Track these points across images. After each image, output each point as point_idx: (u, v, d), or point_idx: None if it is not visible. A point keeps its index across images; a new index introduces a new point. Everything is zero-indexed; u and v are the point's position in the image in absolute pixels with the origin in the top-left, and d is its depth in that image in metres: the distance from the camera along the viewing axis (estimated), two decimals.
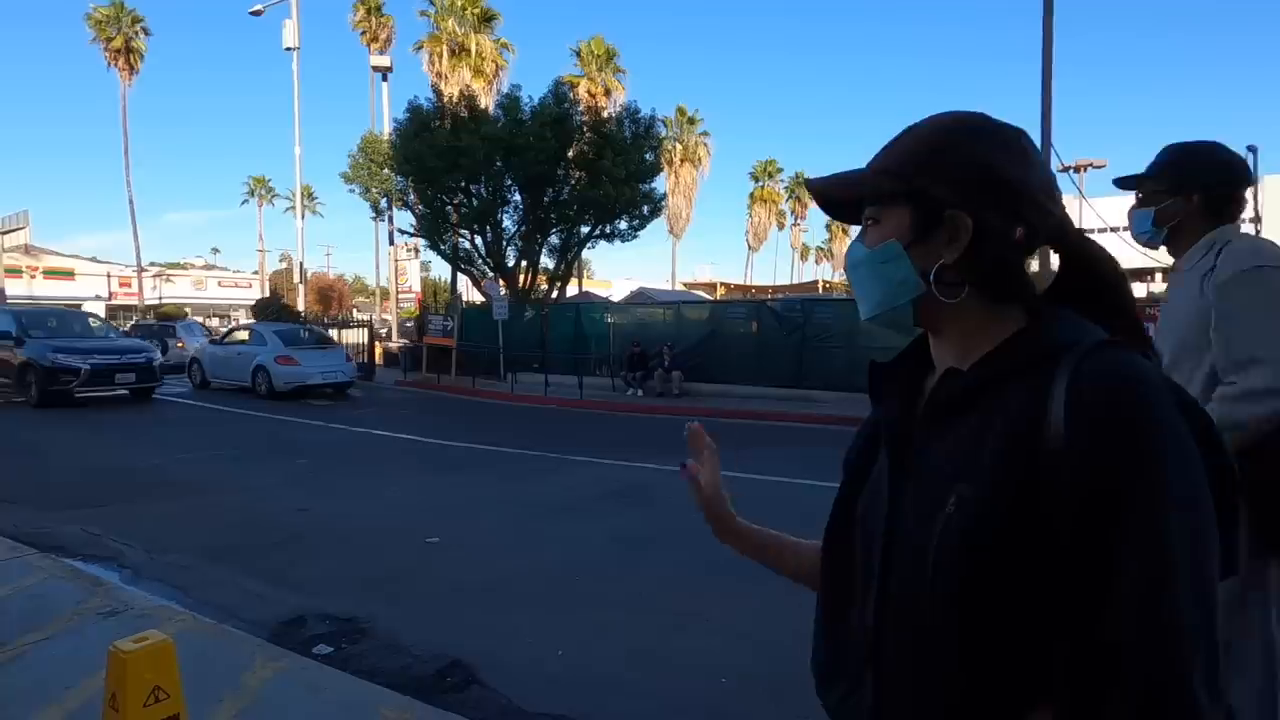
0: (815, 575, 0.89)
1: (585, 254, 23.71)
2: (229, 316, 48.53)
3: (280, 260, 57.21)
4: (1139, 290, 26.38)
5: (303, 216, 26.73)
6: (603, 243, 19.58)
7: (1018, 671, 0.65)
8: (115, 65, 34.99)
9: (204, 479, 6.86)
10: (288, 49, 24.56)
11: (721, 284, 33.14)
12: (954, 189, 0.75)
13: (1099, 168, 26.07)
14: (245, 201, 54.38)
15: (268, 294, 49.65)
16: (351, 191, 22.25)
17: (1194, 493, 0.62)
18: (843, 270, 0.81)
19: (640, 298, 21.64)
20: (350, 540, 5.06)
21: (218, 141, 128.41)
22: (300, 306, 26.58)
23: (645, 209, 18.90)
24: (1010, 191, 0.76)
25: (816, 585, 0.88)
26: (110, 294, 42.49)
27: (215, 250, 68.80)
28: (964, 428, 0.72)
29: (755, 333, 14.45)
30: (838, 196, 0.84)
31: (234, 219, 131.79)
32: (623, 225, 18.98)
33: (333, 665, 3.05)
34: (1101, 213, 21.75)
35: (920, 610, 0.70)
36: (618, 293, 32.01)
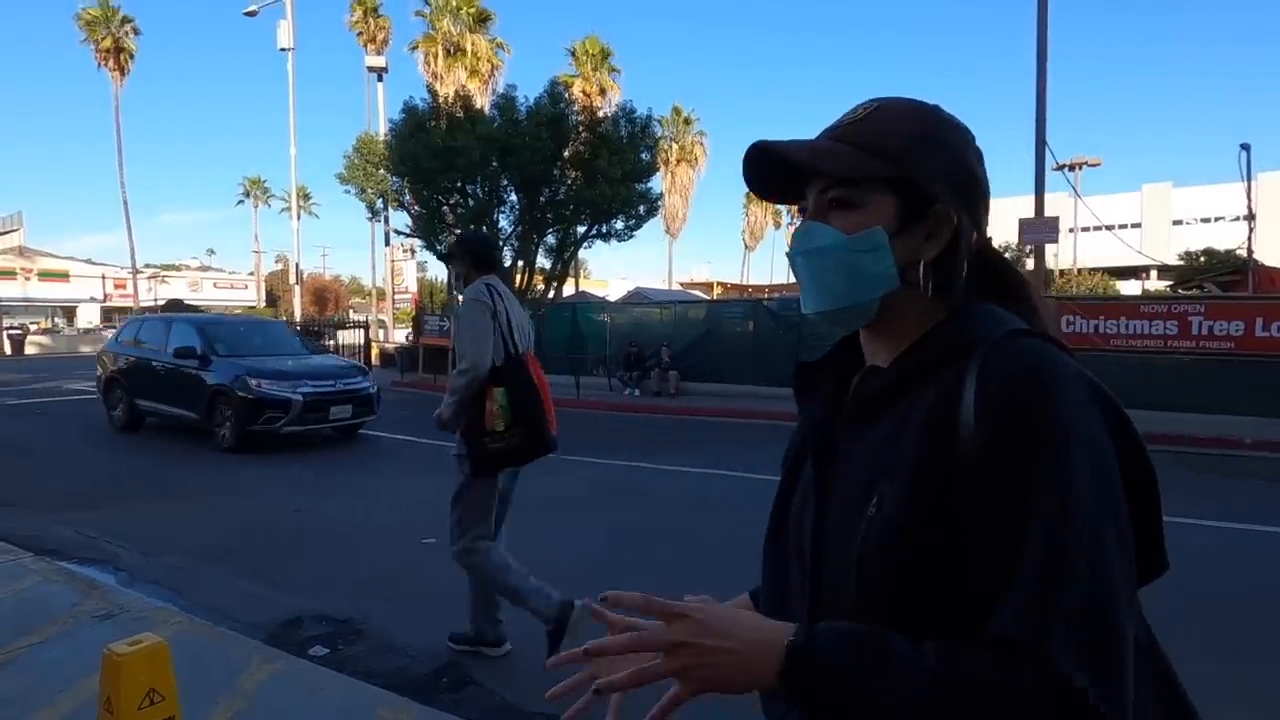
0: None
1: (581, 254, 23.70)
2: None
3: (276, 261, 56.98)
4: (1133, 287, 26.45)
5: (298, 217, 26.68)
6: (599, 243, 19.58)
7: None
8: (106, 66, 34.86)
9: (196, 480, 6.85)
10: (282, 49, 24.53)
11: (718, 283, 33.16)
12: (945, 184, 0.74)
13: (1094, 166, 26.15)
14: (241, 202, 54.18)
15: (264, 295, 49.76)
16: (347, 192, 22.18)
17: (1101, 476, 0.61)
18: (792, 252, 0.78)
19: (637, 297, 21.66)
20: (346, 541, 5.05)
21: (213, 142, 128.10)
22: (296, 308, 26.56)
23: (641, 209, 18.88)
24: (981, 194, 0.77)
25: None
26: (105, 296, 42.39)
27: (211, 251, 68.74)
28: (885, 424, 0.71)
29: (751, 332, 14.46)
30: (804, 166, 0.74)
31: (230, 220, 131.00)
32: (619, 225, 18.96)
33: (329, 666, 3.04)
34: (1098, 211, 21.84)
35: (850, 611, 0.68)
36: (614, 292, 31.99)
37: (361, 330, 20.07)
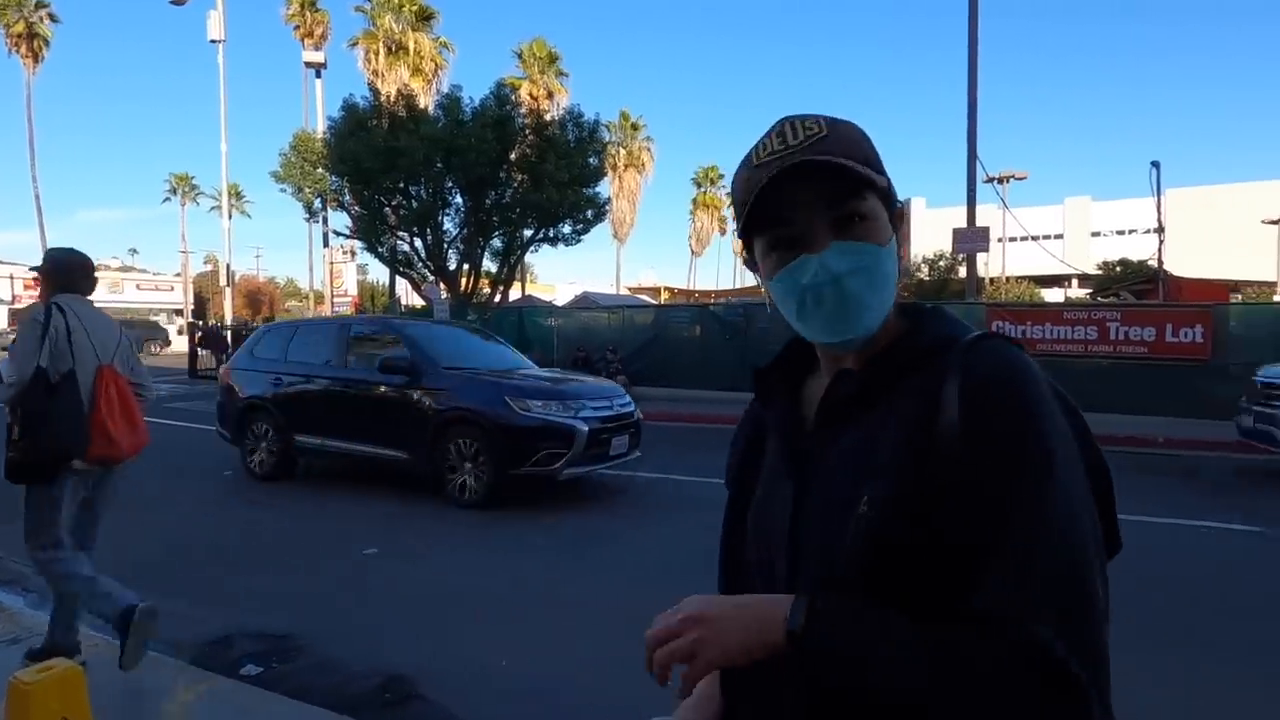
0: None
1: (528, 257, 23.49)
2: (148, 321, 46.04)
3: (205, 262, 54.44)
4: (1056, 294, 27.89)
5: (230, 216, 25.58)
6: (546, 246, 19.45)
7: None
8: (17, 51, 32.76)
9: (122, 494, 6.45)
10: (213, 41, 23.50)
11: (665, 288, 33.39)
12: (894, 190, 0.77)
13: (1020, 179, 27.48)
14: (167, 200, 51.67)
15: (191, 297, 47.44)
16: (283, 191, 21.42)
17: (1072, 466, 0.66)
18: (815, 285, 0.72)
19: (584, 302, 21.57)
20: (283, 554, 4.85)
21: (137, 137, 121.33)
22: (227, 310, 25.43)
23: (589, 213, 18.85)
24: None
25: None
26: (14, 297, 39.60)
27: (133, 251, 65.07)
28: (862, 427, 0.72)
29: (698, 336, 14.62)
30: (860, 179, 0.71)
31: (154, 219, 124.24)
32: (566, 229, 18.88)
33: (263, 686, 2.91)
34: (1024, 222, 22.97)
35: None
36: (562, 296, 31.82)
37: None
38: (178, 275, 50.27)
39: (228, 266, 26.13)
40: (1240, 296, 19.24)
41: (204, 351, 19.74)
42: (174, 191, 51.05)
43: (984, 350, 0.69)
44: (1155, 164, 16.48)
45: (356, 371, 6.81)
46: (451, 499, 5.93)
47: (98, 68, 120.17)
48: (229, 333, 20.45)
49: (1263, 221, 28.94)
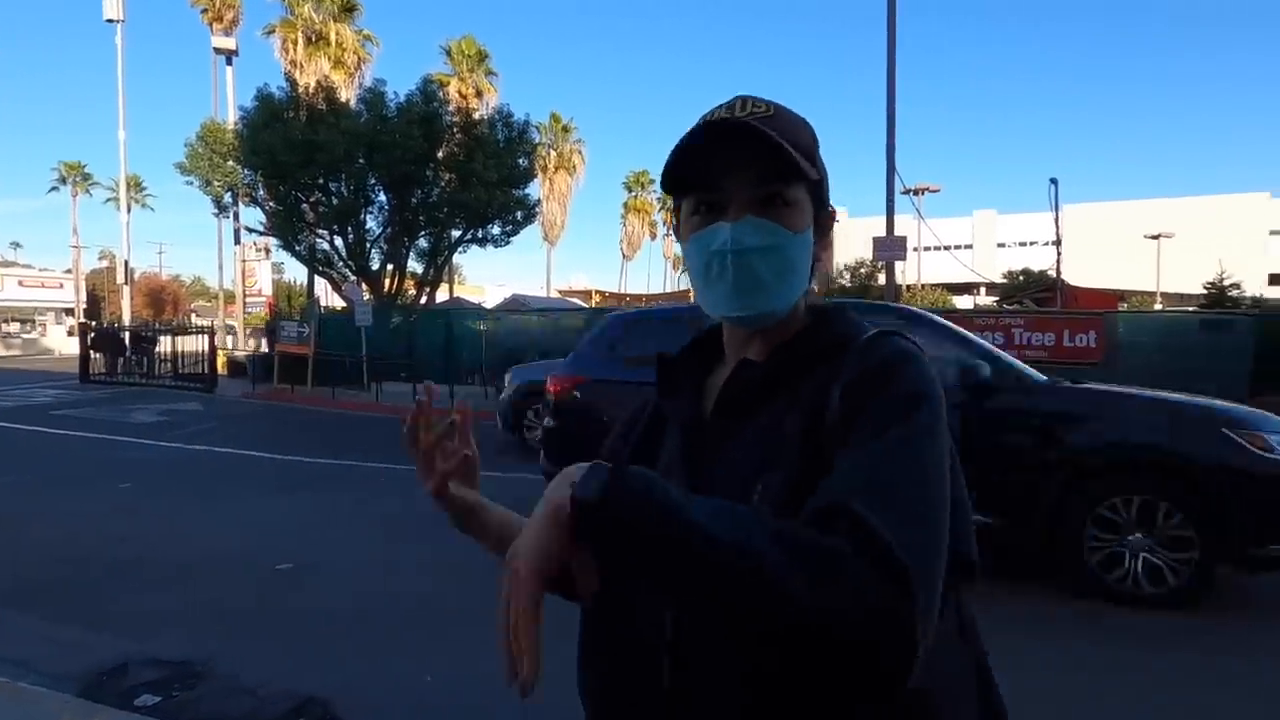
0: None
1: (457, 259, 22.97)
2: (33, 321, 42.36)
3: (101, 258, 50.58)
4: (966, 301, 29.53)
5: (128, 209, 23.86)
6: (474, 247, 19.08)
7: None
8: None
9: (2, 508, 5.88)
10: (109, 21, 21.88)
11: (596, 292, 33.37)
12: (827, 184, 0.78)
13: (934, 192, 28.99)
14: (54, 190, 47.66)
15: (84, 295, 43.90)
16: (189, 184, 20.10)
17: (940, 433, 0.63)
18: (722, 252, 0.72)
19: (515, 304, 21.28)
20: (186, 572, 4.51)
21: (19, 120, 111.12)
22: (125, 310, 23.68)
23: (518, 214, 18.61)
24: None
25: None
26: None
27: (16, 245, 59.20)
28: (762, 418, 0.72)
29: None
30: (784, 157, 0.69)
31: (39, 210, 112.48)
32: (495, 230, 18.57)
33: (160, 717, 2.69)
34: (937, 233, 24.20)
35: None
36: (491, 299, 31.28)
37: (205, 336, 18.12)
38: (68, 272, 46.45)
39: (126, 263, 24.33)
40: (1126, 305, 20.90)
41: (97, 355, 18.25)
42: (63, 181, 47.15)
43: (878, 344, 0.70)
44: (1054, 181, 17.72)
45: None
46: (1118, 593, 3.84)
47: None
48: (127, 334, 19.01)
49: (1145, 236, 31.62)
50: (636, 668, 0.73)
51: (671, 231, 0.82)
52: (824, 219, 0.77)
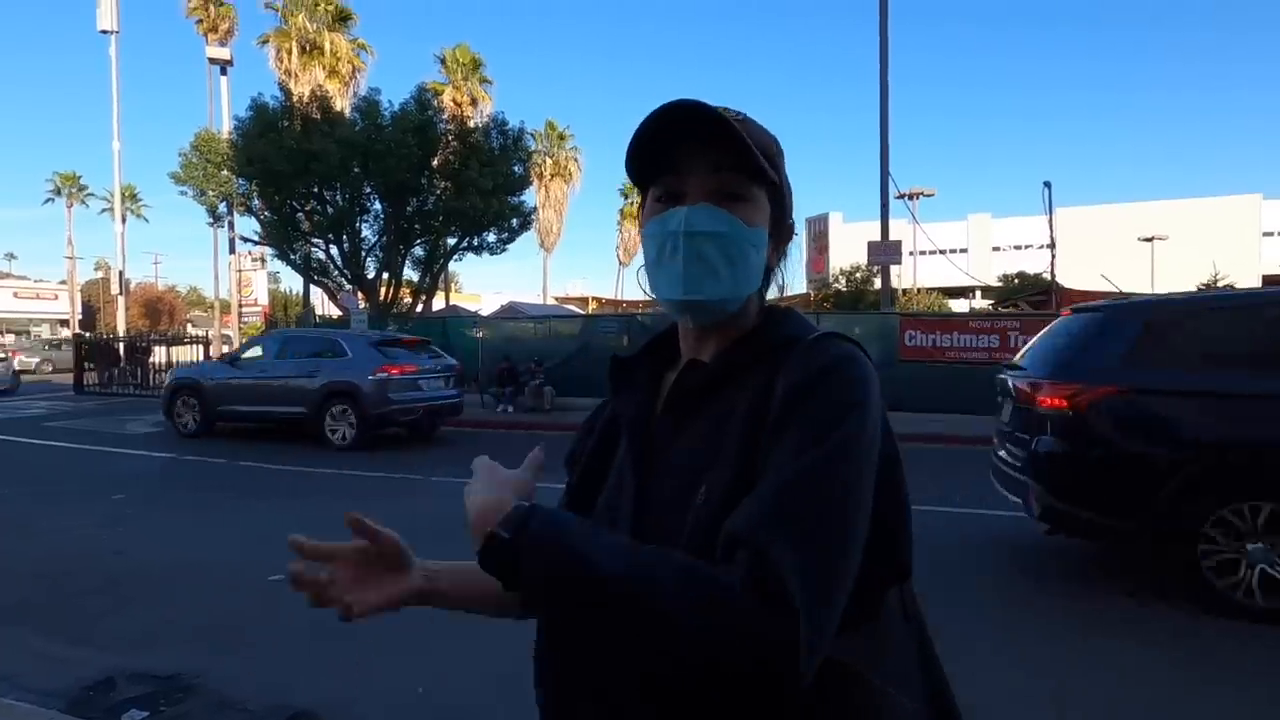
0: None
1: (453, 267, 22.98)
2: (28, 332, 42.25)
3: (96, 269, 50.41)
4: (962, 305, 29.61)
5: (124, 220, 23.82)
6: (471, 255, 19.06)
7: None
8: None
9: None
10: (104, 32, 21.89)
11: (593, 298, 33.38)
12: (790, 199, 0.81)
13: (929, 196, 29.09)
14: (49, 201, 47.53)
15: (79, 307, 43.79)
16: (184, 194, 20.09)
17: (862, 453, 0.64)
18: (674, 234, 0.73)
19: (511, 312, 21.26)
20: (177, 584, 4.47)
21: (14, 131, 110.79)
22: (120, 321, 23.62)
23: (514, 222, 18.61)
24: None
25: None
26: None
27: (11, 256, 58.92)
28: (707, 418, 0.74)
29: (626, 346, 14.63)
30: (739, 143, 0.70)
31: (35, 221, 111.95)
32: (490, 238, 18.57)
33: None
34: (933, 237, 24.28)
35: None
36: (488, 306, 31.25)
37: (201, 346, 18.07)
38: (63, 283, 46.32)
39: (121, 274, 24.27)
40: None
41: (92, 366, 18.20)
42: (58, 192, 47.04)
43: (820, 346, 0.71)
44: (1047, 184, 17.74)
45: None
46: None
47: None
48: (122, 345, 18.95)
49: (1140, 238, 31.74)
50: (591, 677, 0.75)
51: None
52: (783, 228, 0.79)
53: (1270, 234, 39.62)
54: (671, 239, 0.73)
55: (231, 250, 25.10)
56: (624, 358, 0.85)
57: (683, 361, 0.80)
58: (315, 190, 16.88)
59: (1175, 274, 28.74)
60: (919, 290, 29.67)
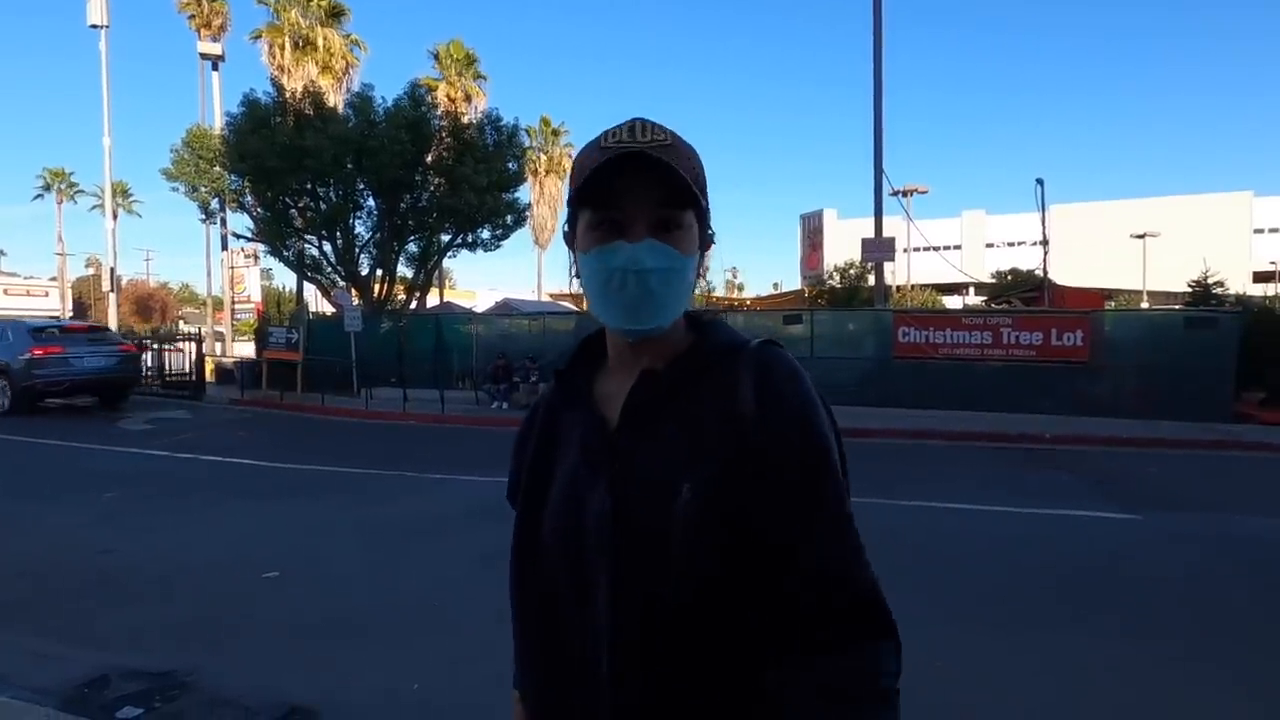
0: None
1: (447, 263, 22.90)
2: None
3: (87, 265, 49.99)
4: (955, 302, 29.69)
5: (115, 216, 23.63)
6: (465, 252, 18.99)
7: (755, 633, 0.73)
8: None
9: None
10: (94, 26, 21.69)
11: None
12: (709, 212, 0.85)
13: (922, 193, 29.13)
14: (39, 197, 47.12)
15: (70, 304, 43.41)
16: (175, 190, 19.95)
17: (839, 454, 0.79)
18: (622, 270, 0.79)
19: (505, 308, 21.20)
20: (171, 582, 4.46)
21: (3, 127, 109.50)
22: (112, 318, 23.45)
23: (509, 218, 18.54)
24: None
25: None
26: None
27: (0, 253, 58.53)
28: (671, 423, 0.79)
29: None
30: (682, 189, 0.77)
31: (24, 217, 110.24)
32: (485, 234, 18.50)
33: None
34: (926, 233, 24.34)
35: (664, 594, 0.74)
36: (482, 303, 31.14)
37: (194, 343, 17.94)
38: (53, 279, 45.89)
39: (112, 270, 24.03)
40: (1113, 304, 21.04)
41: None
42: (48, 188, 46.65)
43: (769, 355, 0.80)
44: (1040, 181, 17.78)
45: None
46: None
47: None
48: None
49: (1131, 235, 31.89)
50: (575, 672, 0.79)
51: (564, 237, 0.85)
52: (705, 240, 0.84)
53: (1261, 231, 39.89)
54: (619, 274, 0.77)
55: (224, 247, 24.90)
56: (566, 370, 0.88)
57: (615, 366, 0.85)
58: (308, 186, 16.78)
59: (1167, 270, 28.88)
60: (913, 287, 29.72)
